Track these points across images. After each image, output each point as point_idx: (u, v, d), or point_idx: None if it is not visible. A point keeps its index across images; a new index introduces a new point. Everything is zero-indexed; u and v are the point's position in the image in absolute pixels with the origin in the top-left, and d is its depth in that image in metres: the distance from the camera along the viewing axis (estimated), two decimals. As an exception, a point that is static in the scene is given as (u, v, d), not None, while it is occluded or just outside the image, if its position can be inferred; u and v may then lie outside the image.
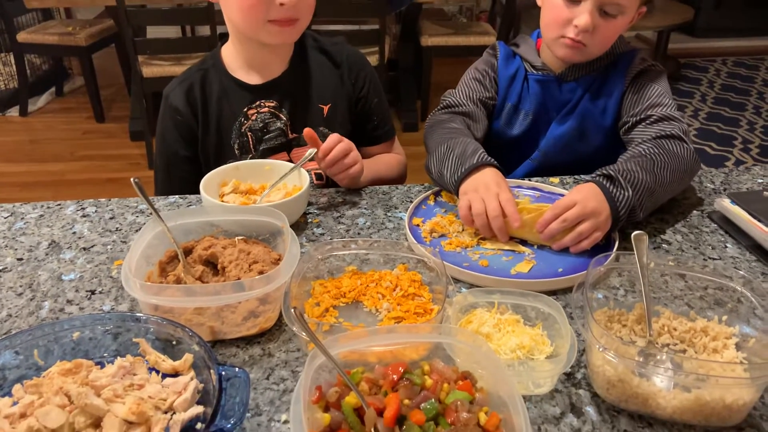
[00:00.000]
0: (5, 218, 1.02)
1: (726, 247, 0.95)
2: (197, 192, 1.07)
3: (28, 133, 3.66)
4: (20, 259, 0.92)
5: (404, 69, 3.82)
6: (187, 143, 1.19)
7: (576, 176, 1.17)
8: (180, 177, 1.20)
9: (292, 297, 0.78)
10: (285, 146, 1.19)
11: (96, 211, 1.04)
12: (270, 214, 0.87)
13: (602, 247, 0.93)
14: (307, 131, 1.04)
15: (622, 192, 0.92)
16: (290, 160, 1.17)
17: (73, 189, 3.04)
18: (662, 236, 0.98)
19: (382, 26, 3.12)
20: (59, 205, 1.06)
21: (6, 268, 0.90)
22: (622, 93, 1.15)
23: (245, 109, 1.17)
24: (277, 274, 0.75)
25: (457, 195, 0.99)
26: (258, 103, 1.17)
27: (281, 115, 1.18)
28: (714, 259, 0.93)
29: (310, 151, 1.05)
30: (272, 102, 1.18)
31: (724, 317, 0.75)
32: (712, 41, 5.05)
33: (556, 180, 1.16)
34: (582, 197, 0.92)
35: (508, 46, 1.26)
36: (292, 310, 0.65)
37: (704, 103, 3.98)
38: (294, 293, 0.80)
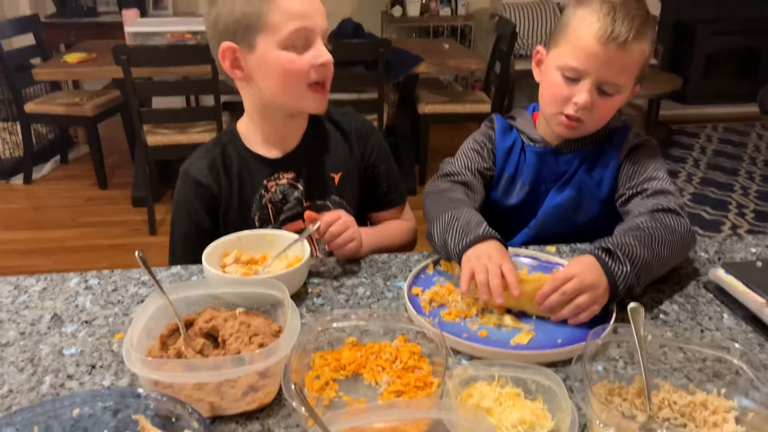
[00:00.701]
0: (9, 291, 1.03)
1: (722, 317, 0.96)
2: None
3: (31, 201, 3.70)
4: (22, 333, 0.92)
5: (402, 135, 3.91)
6: (210, 215, 1.22)
7: (573, 245, 1.19)
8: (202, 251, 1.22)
9: (291, 370, 0.78)
10: (300, 215, 1.23)
11: (99, 283, 1.06)
12: (271, 285, 0.88)
13: (600, 317, 0.93)
14: (308, 215, 1.08)
15: (621, 267, 0.94)
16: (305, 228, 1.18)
17: (74, 256, 3.05)
18: (659, 307, 0.99)
19: (380, 95, 3.22)
20: (62, 277, 1.07)
21: (8, 342, 0.90)
22: (618, 166, 1.19)
23: (265, 182, 1.21)
24: (278, 347, 0.76)
25: (460, 263, 1.00)
26: (277, 175, 1.22)
27: (299, 186, 1.23)
28: (711, 329, 0.93)
29: (314, 225, 1.07)
30: (290, 174, 1.22)
31: (723, 390, 0.75)
32: (702, 108, 5.19)
33: (552, 249, 1.18)
34: (580, 270, 0.93)
35: (504, 119, 1.30)
36: (293, 386, 0.65)
37: (697, 168, 4.05)
38: (294, 366, 0.80)
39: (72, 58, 3.36)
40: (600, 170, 1.20)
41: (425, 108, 3.60)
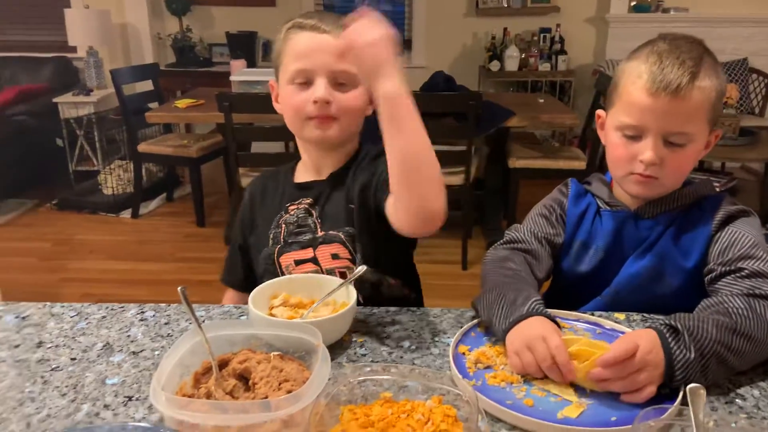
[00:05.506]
0: (71, 317, 1.08)
1: (814, 409, 0.83)
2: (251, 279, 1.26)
3: (136, 234, 3.95)
4: (73, 359, 0.96)
5: (492, 189, 3.85)
6: (241, 231, 1.33)
7: (645, 314, 1.09)
8: (238, 263, 1.35)
9: (318, 422, 0.75)
10: (311, 243, 1.22)
11: (154, 316, 1.09)
12: (306, 330, 0.86)
13: (665, 395, 0.84)
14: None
15: (684, 353, 0.84)
16: (315, 257, 1.20)
17: (168, 288, 3.18)
18: (736, 390, 0.87)
19: (469, 148, 3.20)
20: (122, 307, 1.11)
21: (58, 367, 0.94)
22: (709, 236, 1.07)
23: (288, 204, 1.26)
24: (302, 395, 0.73)
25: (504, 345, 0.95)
26: (300, 200, 1.25)
27: (313, 212, 1.24)
28: (798, 422, 0.81)
29: (360, 268, 1.05)
30: (309, 199, 1.24)
31: (802, 497, 0.64)
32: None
33: (621, 316, 1.08)
34: (644, 344, 0.84)
35: (580, 183, 1.24)
36: (300, 439, 0.62)
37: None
38: (320, 418, 0.77)
39: (182, 103, 3.62)
40: (688, 238, 1.09)
41: (516, 162, 3.53)
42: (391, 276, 1.22)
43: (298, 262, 1.21)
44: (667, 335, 0.86)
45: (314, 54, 1.14)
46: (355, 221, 1.19)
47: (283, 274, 1.21)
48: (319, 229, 1.22)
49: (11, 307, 1.11)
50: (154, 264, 3.53)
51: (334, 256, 1.19)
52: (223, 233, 3.77)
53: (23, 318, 1.08)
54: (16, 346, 0.99)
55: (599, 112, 1.15)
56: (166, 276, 3.38)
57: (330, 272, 1.18)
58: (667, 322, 0.89)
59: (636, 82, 1.02)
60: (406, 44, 5.20)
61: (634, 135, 1.04)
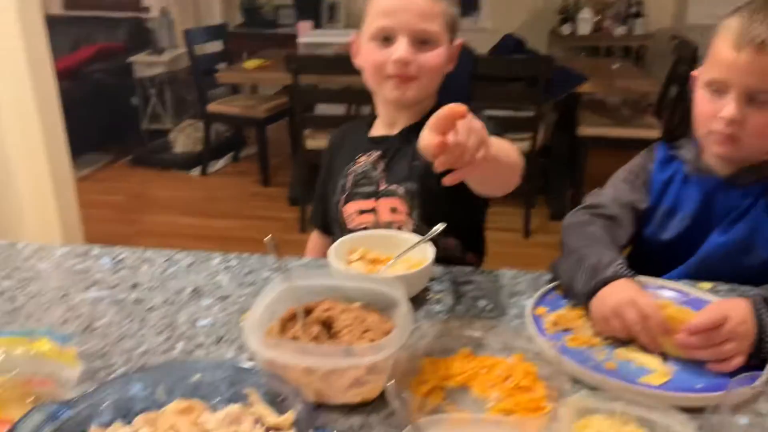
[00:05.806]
0: (162, 262, 1.15)
1: None
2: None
3: (204, 191, 4.08)
4: (166, 301, 1.01)
5: (558, 158, 3.76)
6: (322, 179, 1.38)
7: (733, 285, 1.05)
8: (320, 208, 1.39)
9: (400, 371, 0.77)
10: (373, 194, 1.25)
11: (237, 264, 1.13)
12: (389, 284, 0.88)
13: (753, 364, 0.82)
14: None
15: None
16: (374, 209, 1.23)
17: (234, 244, 3.29)
18: (830, 363, 0.84)
19: (537, 114, 3.13)
20: (208, 255, 1.17)
21: (154, 307, 0.99)
22: None
23: (357, 156, 1.28)
24: (387, 344, 0.75)
25: (586, 307, 0.94)
26: (370, 152, 1.27)
27: (379, 165, 1.25)
28: None
29: (439, 226, 1.06)
30: (379, 152, 1.26)
31: None
32: None
33: (707, 285, 1.05)
34: (735, 315, 0.82)
35: (668, 148, 1.20)
36: (390, 384, 0.64)
37: None
38: (402, 368, 0.79)
39: (250, 64, 3.67)
40: None
41: (584, 130, 3.43)
42: (449, 237, 1.18)
43: (361, 212, 1.24)
44: (761, 306, 0.83)
45: (398, 12, 1.14)
46: (418, 177, 1.20)
47: (345, 222, 1.26)
48: (382, 182, 1.25)
49: (106, 251, 1.18)
50: (222, 221, 3.65)
51: (393, 210, 1.21)
52: (287, 193, 3.85)
53: (118, 261, 1.14)
54: (113, 287, 1.06)
55: (693, 72, 1.11)
56: (234, 233, 3.49)
57: (387, 225, 1.21)
58: (761, 293, 0.86)
59: (725, 35, 0.99)
60: (473, 5, 5.07)
61: (719, 90, 1.01)
